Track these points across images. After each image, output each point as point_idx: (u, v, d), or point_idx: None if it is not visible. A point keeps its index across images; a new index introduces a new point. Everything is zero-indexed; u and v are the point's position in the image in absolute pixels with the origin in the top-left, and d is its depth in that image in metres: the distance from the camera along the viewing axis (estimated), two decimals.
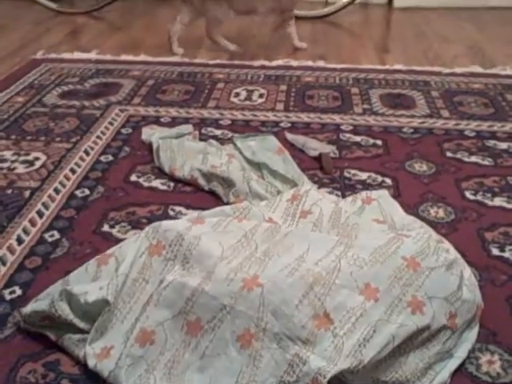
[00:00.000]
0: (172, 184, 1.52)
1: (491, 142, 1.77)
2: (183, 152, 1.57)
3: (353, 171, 1.59)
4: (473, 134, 1.82)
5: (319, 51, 2.57)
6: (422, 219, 1.38)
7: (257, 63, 2.39)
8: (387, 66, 2.40)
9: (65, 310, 1.02)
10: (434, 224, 1.36)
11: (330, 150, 1.68)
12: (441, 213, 1.42)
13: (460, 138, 1.80)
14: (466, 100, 2.08)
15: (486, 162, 1.66)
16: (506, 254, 1.28)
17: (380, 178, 1.56)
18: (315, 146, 1.68)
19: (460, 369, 0.99)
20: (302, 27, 2.91)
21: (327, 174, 1.57)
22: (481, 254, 1.28)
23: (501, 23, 3.02)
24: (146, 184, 1.52)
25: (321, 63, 2.40)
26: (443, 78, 2.27)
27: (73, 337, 1.01)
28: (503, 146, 1.75)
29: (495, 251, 1.29)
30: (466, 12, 3.20)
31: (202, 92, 2.11)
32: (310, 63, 2.40)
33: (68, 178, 1.54)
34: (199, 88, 2.15)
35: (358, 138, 1.78)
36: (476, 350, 1.03)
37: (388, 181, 1.55)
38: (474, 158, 1.68)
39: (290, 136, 1.74)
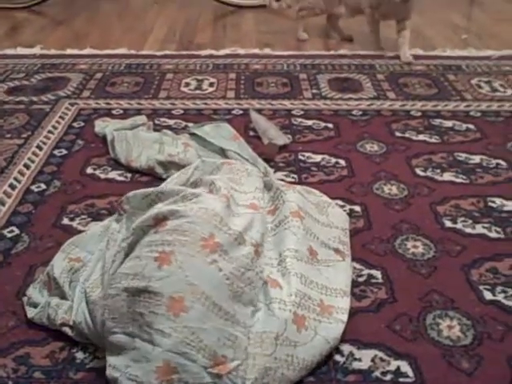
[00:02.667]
0: (129, 175, 1.52)
1: (437, 121, 1.84)
2: (139, 143, 1.57)
3: (307, 154, 1.63)
4: (419, 114, 1.88)
5: (264, 39, 2.60)
6: (377, 196, 1.44)
7: (204, 52, 2.40)
8: (332, 52, 2.44)
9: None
10: (388, 200, 1.42)
11: (283, 142, 1.68)
12: (394, 190, 1.47)
13: (407, 118, 1.85)
14: (411, 81, 2.14)
15: (433, 140, 1.72)
16: (459, 226, 1.33)
17: (334, 160, 1.60)
18: (272, 136, 1.68)
19: (422, 335, 1.03)
20: (246, 16, 2.95)
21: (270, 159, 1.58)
22: (435, 226, 1.33)
23: (439, 7, 3.11)
24: (102, 176, 1.52)
25: (267, 51, 2.43)
26: (387, 61, 2.33)
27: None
28: (448, 123, 1.82)
29: (448, 223, 1.34)
30: None
31: (152, 83, 2.11)
32: (256, 51, 2.42)
33: (22, 174, 1.52)
34: (148, 79, 2.14)
35: (309, 122, 1.82)
36: (436, 316, 1.07)
37: (341, 162, 1.59)
38: (421, 137, 1.74)
39: (254, 116, 1.75)
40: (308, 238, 1.16)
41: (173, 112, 1.87)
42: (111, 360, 0.92)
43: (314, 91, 2.05)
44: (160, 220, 1.01)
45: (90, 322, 0.98)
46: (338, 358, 0.99)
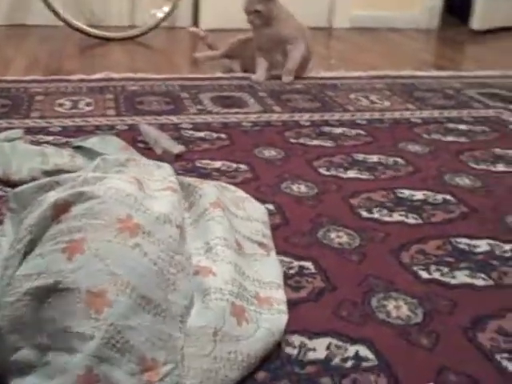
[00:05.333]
0: (9, 189, 1.31)
1: (327, 128, 1.82)
2: (18, 156, 1.38)
3: (205, 161, 1.52)
4: (308, 124, 1.86)
5: (135, 66, 2.48)
6: (287, 195, 1.36)
7: (75, 77, 2.22)
8: (208, 75, 2.38)
9: None
10: (299, 198, 1.35)
11: (179, 150, 1.57)
12: (303, 188, 1.40)
13: (298, 127, 1.82)
14: (293, 97, 2.12)
15: (328, 144, 1.69)
16: (376, 215, 1.29)
17: (234, 165, 1.51)
18: (166, 145, 1.56)
19: (371, 318, 0.95)
20: (114, 47, 2.83)
21: None
22: (352, 217, 1.28)
23: None
24: None
25: (142, 74, 2.31)
26: (266, 81, 2.30)
27: None
28: (338, 130, 1.81)
29: (365, 214, 1.29)
30: None
31: (21, 105, 1.89)
32: (131, 75, 2.29)
33: None
34: (17, 101, 1.93)
35: (201, 134, 1.72)
36: (381, 299, 1.00)
37: (243, 166, 1.51)
38: (316, 142, 1.70)
39: (143, 128, 1.61)
40: (232, 230, 1.05)
41: (50, 129, 1.69)
42: (17, 383, 0.73)
43: (199, 107, 1.96)
44: (61, 207, 0.85)
45: None
46: (289, 350, 0.87)
